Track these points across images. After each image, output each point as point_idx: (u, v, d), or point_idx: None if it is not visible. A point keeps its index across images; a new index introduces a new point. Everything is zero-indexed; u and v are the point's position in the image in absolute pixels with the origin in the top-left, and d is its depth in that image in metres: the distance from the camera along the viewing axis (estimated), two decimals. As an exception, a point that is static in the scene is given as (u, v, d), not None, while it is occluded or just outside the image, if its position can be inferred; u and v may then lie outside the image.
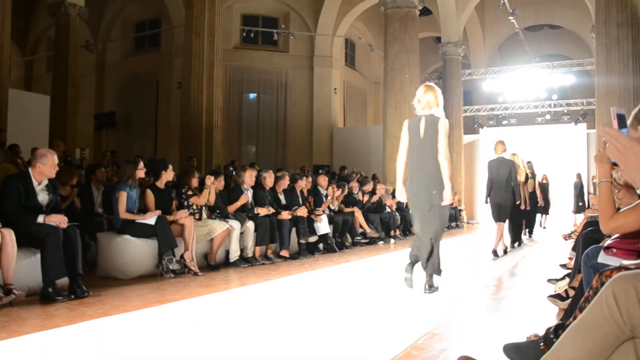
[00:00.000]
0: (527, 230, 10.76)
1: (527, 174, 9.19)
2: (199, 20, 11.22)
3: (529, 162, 10.27)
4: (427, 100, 4.53)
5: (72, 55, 13.09)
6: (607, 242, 2.86)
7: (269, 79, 17.91)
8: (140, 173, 5.59)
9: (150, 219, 5.34)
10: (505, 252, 7.78)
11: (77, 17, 13.33)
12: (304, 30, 17.78)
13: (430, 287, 4.51)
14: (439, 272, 4.62)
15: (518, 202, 7.72)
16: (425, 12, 16.93)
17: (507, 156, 7.62)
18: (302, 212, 7.41)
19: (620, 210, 2.12)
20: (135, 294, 4.47)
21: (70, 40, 13.13)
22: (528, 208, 9.18)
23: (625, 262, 2.07)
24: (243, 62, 17.53)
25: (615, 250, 2.74)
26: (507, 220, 7.78)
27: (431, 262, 4.53)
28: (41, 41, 20.28)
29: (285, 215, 7.05)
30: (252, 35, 16.99)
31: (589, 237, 3.83)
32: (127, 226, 5.37)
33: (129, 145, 18.23)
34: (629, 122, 2.00)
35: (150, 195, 5.64)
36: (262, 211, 6.80)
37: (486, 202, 7.61)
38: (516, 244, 8.80)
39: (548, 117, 18.54)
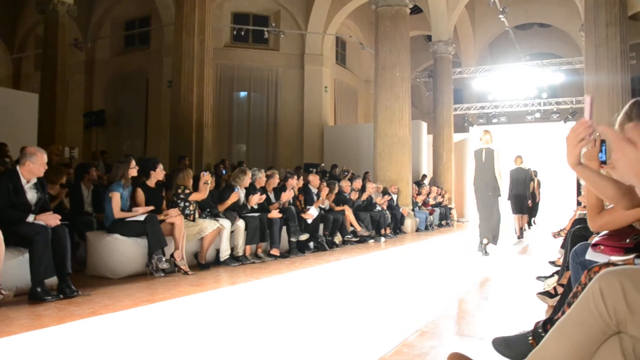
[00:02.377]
0: (530, 220, 13.11)
1: (531, 177, 11.74)
2: (189, 18, 11.14)
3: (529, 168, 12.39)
4: (486, 139, 7.40)
5: (61, 53, 12.96)
6: (595, 239, 2.89)
7: (259, 77, 17.83)
8: (133, 172, 5.56)
9: (140, 215, 5.34)
10: (522, 235, 10.33)
11: (66, 14, 13.19)
12: (294, 28, 17.75)
13: (487, 253, 7.34)
14: (495, 242, 7.45)
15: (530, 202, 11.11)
16: (416, 10, 16.94)
17: (523, 166, 10.43)
18: (287, 195, 7.59)
19: (607, 208, 2.14)
20: (125, 293, 4.45)
21: (59, 38, 12.99)
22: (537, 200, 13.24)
23: (614, 259, 2.09)
24: (233, 60, 17.45)
25: (602, 247, 2.76)
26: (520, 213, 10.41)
27: (491, 233, 7.36)
28: (29, 39, 20.05)
29: (275, 213, 7.05)
30: (242, 33, 16.91)
31: (577, 235, 3.86)
32: (116, 225, 5.35)
33: (119, 144, 18.11)
34: (619, 118, 1.99)
35: (140, 194, 5.62)
36: (254, 199, 6.91)
37: (508, 199, 10.10)
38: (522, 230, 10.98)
39: (538, 115, 18.62)
